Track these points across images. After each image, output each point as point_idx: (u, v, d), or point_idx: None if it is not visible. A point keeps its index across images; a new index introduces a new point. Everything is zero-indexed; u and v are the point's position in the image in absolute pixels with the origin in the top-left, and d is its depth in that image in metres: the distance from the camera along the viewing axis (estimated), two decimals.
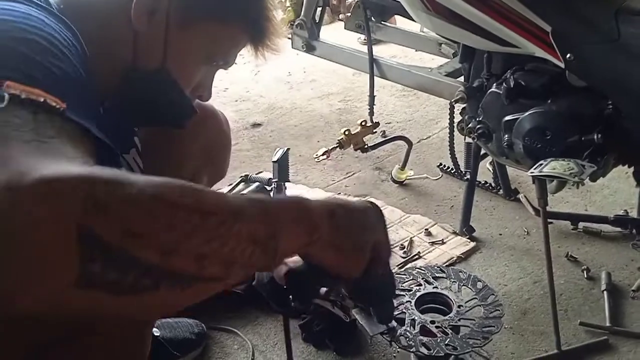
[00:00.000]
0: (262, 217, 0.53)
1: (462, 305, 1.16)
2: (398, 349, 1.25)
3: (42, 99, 0.55)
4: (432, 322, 1.13)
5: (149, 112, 0.91)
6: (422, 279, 1.25)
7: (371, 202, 0.68)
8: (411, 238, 1.66)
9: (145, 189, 0.46)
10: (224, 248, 0.49)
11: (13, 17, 0.62)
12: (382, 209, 0.71)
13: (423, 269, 1.29)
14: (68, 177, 0.44)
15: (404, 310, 1.16)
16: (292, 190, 1.89)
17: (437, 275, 1.26)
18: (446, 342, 1.07)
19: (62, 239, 0.42)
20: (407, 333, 1.10)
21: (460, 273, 1.25)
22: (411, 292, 1.21)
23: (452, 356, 1.14)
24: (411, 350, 1.08)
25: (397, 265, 1.54)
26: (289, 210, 0.56)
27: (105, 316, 0.51)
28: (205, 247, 0.48)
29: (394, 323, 1.11)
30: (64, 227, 0.42)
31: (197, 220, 0.47)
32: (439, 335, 1.09)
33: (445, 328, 1.11)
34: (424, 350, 1.07)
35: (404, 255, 1.60)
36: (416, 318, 1.14)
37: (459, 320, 1.13)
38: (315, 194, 1.89)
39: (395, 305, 1.07)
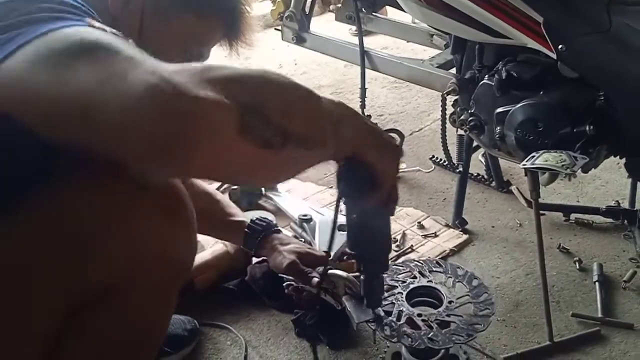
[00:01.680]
0: (334, 103, 0.67)
1: (452, 301, 1.15)
2: (388, 344, 1.25)
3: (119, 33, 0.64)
4: (419, 315, 1.12)
5: None
6: (418, 271, 1.24)
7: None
8: (404, 231, 1.66)
9: (255, 72, 0.61)
10: (315, 118, 0.64)
11: None
12: None
13: (420, 262, 1.28)
14: (202, 67, 0.58)
15: (393, 301, 1.16)
16: (284, 184, 1.88)
17: (433, 269, 1.26)
18: (429, 336, 1.07)
19: (224, 107, 0.55)
20: (392, 323, 1.10)
21: (458, 269, 1.24)
22: (404, 284, 1.20)
23: (443, 350, 1.14)
24: (393, 340, 1.08)
25: (391, 259, 1.53)
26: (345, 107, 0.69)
27: (254, 171, 0.63)
28: (306, 114, 0.62)
29: (381, 312, 1.11)
30: (224, 102, 0.55)
31: (296, 92, 0.63)
32: (423, 328, 1.09)
33: (432, 322, 1.10)
34: (405, 341, 1.07)
35: (396, 249, 1.59)
36: (404, 309, 1.13)
37: (447, 315, 1.12)
38: (307, 188, 1.88)
39: (384, 290, 1.08)
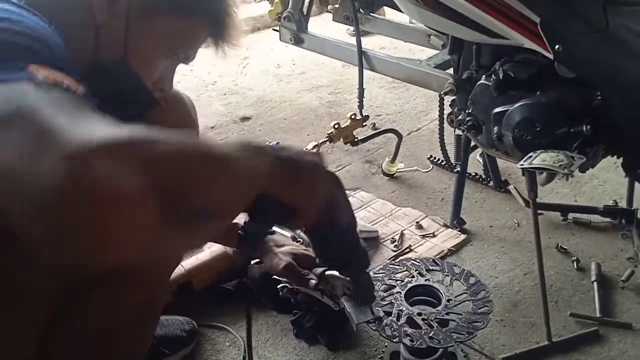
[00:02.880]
0: (253, 158, 0.61)
1: (451, 299, 1.16)
2: (386, 344, 1.25)
3: (65, 82, 0.59)
4: (419, 314, 1.13)
5: (110, 104, 0.91)
6: (416, 270, 1.25)
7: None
8: (402, 231, 1.66)
9: (184, 143, 0.54)
10: (237, 186, 0.58)
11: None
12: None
13: (418, 261, 1.28)
14: (125, 140, 0.50)
15: (392, 301, 1.16)
16: None
17: (431, 267, 1.26)
18: (430, 335, 1.07)
19: (137, 193, 0.48)
20: (393, 323, 1.10)
21: (454, 267, 1.25)
22: (402, 283, 1.20)
23: (441, 349, 1.14)
24: (394, 340, 1.08)
25: (389, 259, 1.54)
26: (246, 155, 0.62)
27: (173, 251, 0.60)
28: (224, 187, 0.56)
29: (381, 312, 1.11)
30: (136, 183, 0.48)
31: (211, 164, 0.56)
32: (424, 327, 1.09)
33: (432, 321, 1.11)
34: (407, 341, 1.07)
35: (395, 249, 1.59)
36: (404, 309, 1.14)
37: (446, 313, 1.13)
38: None
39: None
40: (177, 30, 0.89)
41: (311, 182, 0.68)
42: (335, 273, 1.20)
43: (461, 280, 1.22)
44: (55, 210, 0.46)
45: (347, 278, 1.01)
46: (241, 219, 1.16)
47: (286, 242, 1.35)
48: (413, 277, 1.23)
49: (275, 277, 1.31)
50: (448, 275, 1.23)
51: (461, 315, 1.12)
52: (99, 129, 0.51)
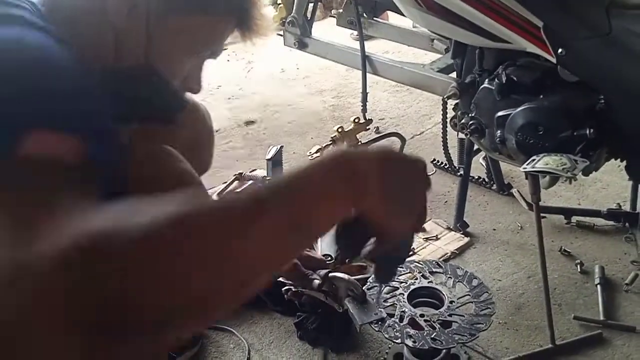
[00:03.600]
0: (287, 203, 0.49)
1: (454, 301, 1.16)
2: (389, 346, 1.26)
3: (60, 153, 0.56)
4: (422, 315, 1.13)
5: (137, 109, 0.87)
6: (419, 273, 1.25)
7: (418, 157, 0.63)
8: None
9: (143, 237, 0.44)
10: (249, 256, 0.47)
11: (20, 47, 0.62)
12: None
13: (421, 263, 1.29)
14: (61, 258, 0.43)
15: (395, 303, 1.16)
16: None
17: (434, 270, 1.27)
18: (432, 336, 1.08)
19: (60, 325, 0.42)
20: (396, 325, 1.11)
21: (457, 269, 1.26)
22: (406, 285, 1.21)
23: (444, 351, 1.14)
24: (397, 341, 1.09)
25: None
26: (325, 177, 0.52)
27: None
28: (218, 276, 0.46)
29: (384, 314, 1.12)
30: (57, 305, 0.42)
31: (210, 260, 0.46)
32: (426, 328, 1.10)
33: (434, 322, 1.11)
34: (409, 342, 1.07)
35: None
36: (406, 310, 1.14)
37: (449, 315, 1.13)
38: None
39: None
40: (200, 27, 0.85)
41: (411, 198, 0.59)
42: (340, 274, 1.21)
43: (464, 283, 1.22)
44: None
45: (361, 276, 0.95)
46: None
47: None
48: (416, 279, 1.24)
49: (279, 279, 1.32)
50: (451, 278, 1.24)
51: (463, 317, 1.13)
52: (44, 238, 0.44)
